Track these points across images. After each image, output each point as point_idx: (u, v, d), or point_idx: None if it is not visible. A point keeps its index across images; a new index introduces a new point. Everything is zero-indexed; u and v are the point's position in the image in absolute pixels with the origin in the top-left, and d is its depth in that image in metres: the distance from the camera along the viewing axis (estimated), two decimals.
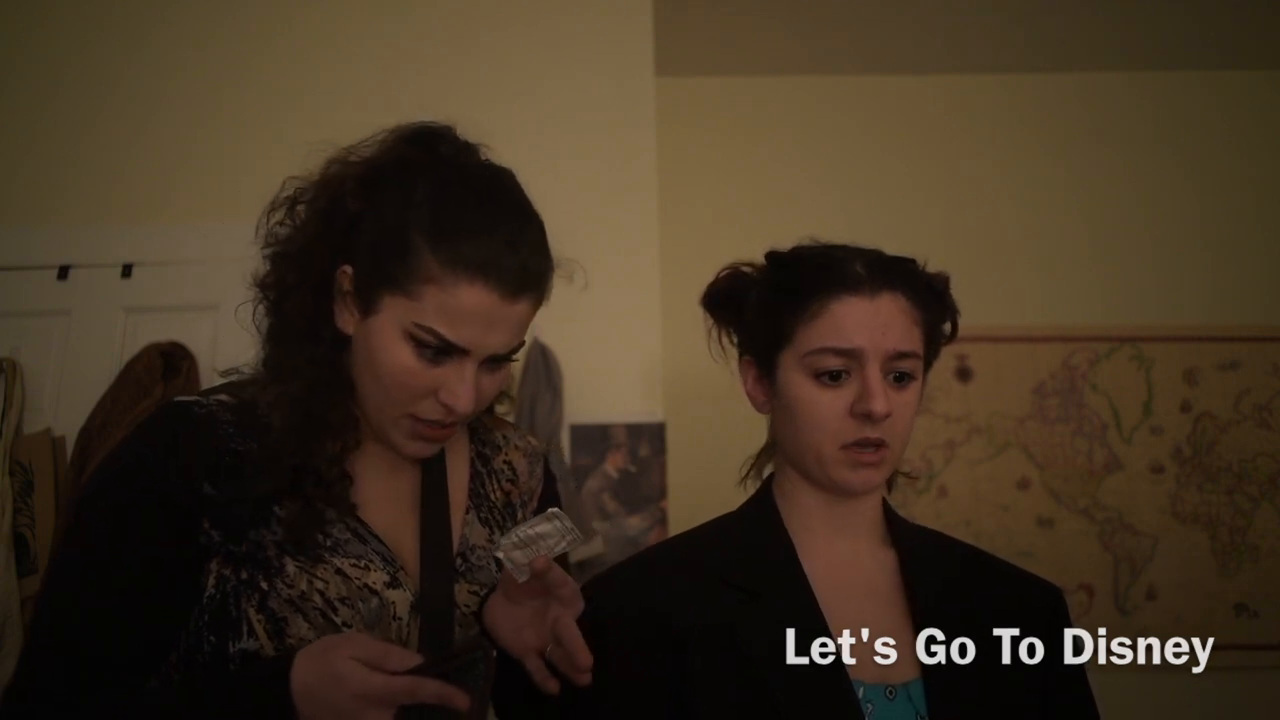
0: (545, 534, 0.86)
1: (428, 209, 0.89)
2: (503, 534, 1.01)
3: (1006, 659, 0.99)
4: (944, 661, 0.96)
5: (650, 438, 2.08)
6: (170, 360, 2.00)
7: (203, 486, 0.89)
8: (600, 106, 2.22)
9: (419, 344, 0.89)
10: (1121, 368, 2.58)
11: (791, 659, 0.95)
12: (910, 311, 1.00)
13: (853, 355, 0.97)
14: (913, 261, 1.04)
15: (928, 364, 1.03)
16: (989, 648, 0.99)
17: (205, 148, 2.16)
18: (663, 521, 2.06)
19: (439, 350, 0.89)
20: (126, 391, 1.96)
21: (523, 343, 0.95)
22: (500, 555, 0.87)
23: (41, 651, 0.87)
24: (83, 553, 0.89)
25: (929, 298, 1.03)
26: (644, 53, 2.25)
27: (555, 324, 2.07)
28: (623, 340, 2.12)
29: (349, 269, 0.92)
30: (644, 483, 2.07)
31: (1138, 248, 2.68)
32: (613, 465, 2.07)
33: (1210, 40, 2.63)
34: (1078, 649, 1.06)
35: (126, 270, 2.13)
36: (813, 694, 0.93)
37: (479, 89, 2.18)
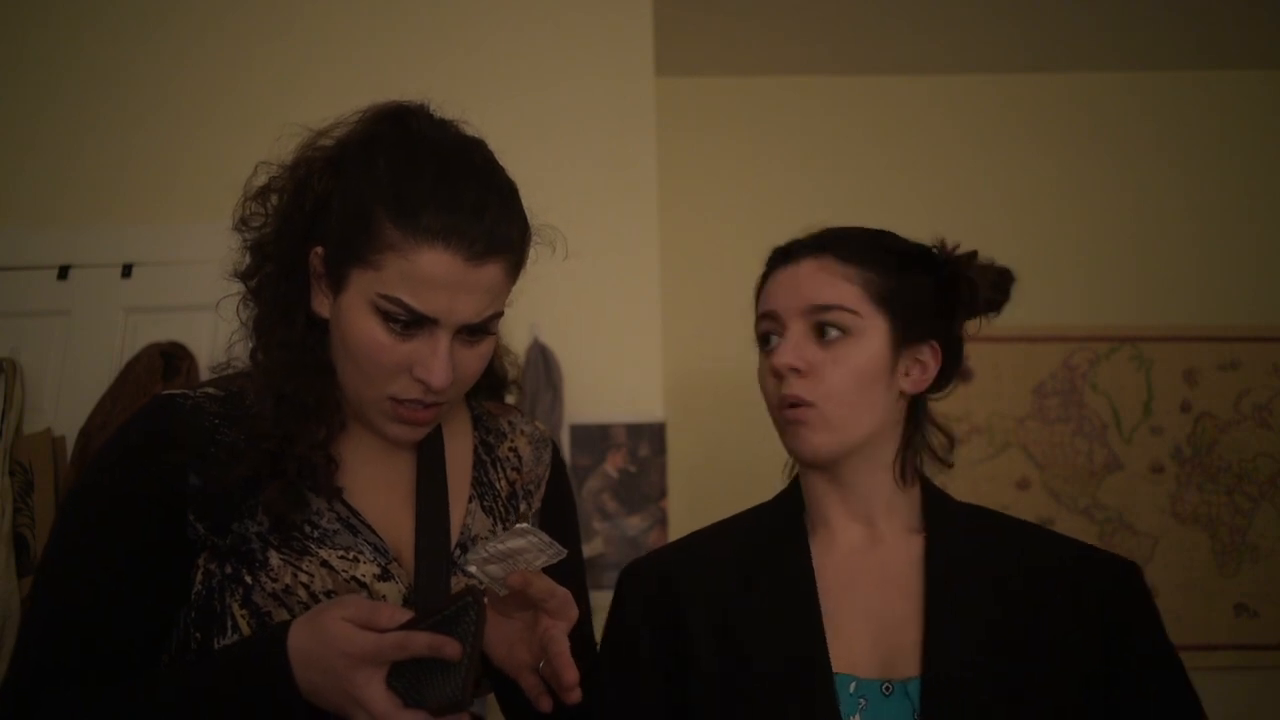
0: (520, 549, 0.83)
1: (387, 180, 0.88)
2: (506, 527, 1.00)
3: (1041, 655, 0.92)
4: (951, 658, 0.91)
5: (650, 438, 2.08)
6: (170, 360, 2.00)
7: (188, 478, 0.88)
8: (601, 107, 2.22)
9: (387, 317, 0.87)
10: (1121, 368, 2.58)
11: (772, 647, 0.94)
12: (838, 268, 1.00)
13: (774, 317, 1.02)
14: (878, 232, 1.05)
15: (909, 325, 1.00)
16: (1016, 644, 0.92)
17: (205, 148, 2.16)
18: (663, 521, 2.05)
19: (408, 323, 0.87)
20: (126, 392, 1.95)
21: (500, 313, 0.93)
22: (473, 570, 0.85)
23: (33, 647, 0.87)
24: (71, 546, 0.89)
25: (875, 258, 1.01)
26: (644, 53, 2.25)
27: (555, 324, 2.07)
28: (623, 340, 2.12)
29: (320, 250, 0.92)
30: (644, 483, 2.06)
31: (1137, 247, 2.68)
32: (613, 465, 2.07)
33: (1207, 40, 2.63)
34: (1152, 632, 0.95)
35: (126, 270, 2.13)
36: (790, 684, 0.92)
37: (479, 89, 2.18)
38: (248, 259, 0.97)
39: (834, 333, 0.98)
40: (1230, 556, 2.49)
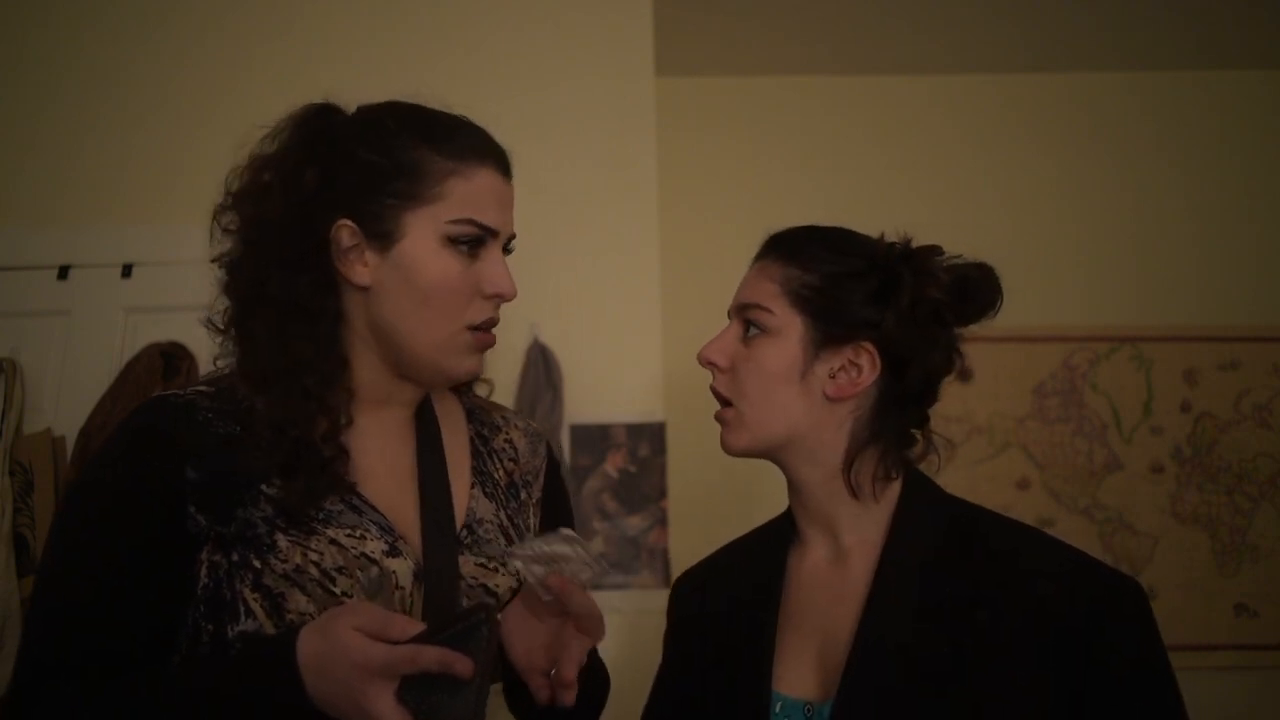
0: (564, 556, 0.84)
1: (411, 128, 0.95)
2: (509, 513, 1.02)
3: (986, 689, 0.84)
4: (867, 685, 0.87)
5: (650, 438, 2.07)
6: (170, 360, 2.00)
7: (185, 471, 0.88)
8: (601, 107, 2.22)
9: (456, 242, 0.93)
10: (1121, 368, 2.58)
11: (729, 661, 0.96)
12: (769, 267, 1.00)
13: (729, 316, 1.03)
14: (821, 229, 1.01)
15: (830, 324, 0.95)
16: (949, 674, 0.85)
17: (205, 148, 2.14)
18: (663, 521, 2.05)
19: (475, 242, 0.93)
20: (126, 392, 1.95)
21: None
22: (519, 565, 0.86)
23: (34, 645, 0.86)
24: (70, 543, 0.89)
25: (804, 255, 0.98)
26: (644, 53, 2.25)
27: (555, 324, 2.07)
28: (623, 340, 2.12)
29: (347, 222, 0.93)
30: (644, 483, 2.06)
31: (1137, 247, 2.68)
32: (613, 465, 2.07)
33: (1207, 40, 2.63)
34: (1132, 668, 0.85)
35: (126, 270, 2.12)
36: (728, 701, 0.94)
37: (479, 89, 2.18)
38: (241, 267, 0.97)
39: (754, 331, 0.98)
40: (1230, 556, 2.49)
